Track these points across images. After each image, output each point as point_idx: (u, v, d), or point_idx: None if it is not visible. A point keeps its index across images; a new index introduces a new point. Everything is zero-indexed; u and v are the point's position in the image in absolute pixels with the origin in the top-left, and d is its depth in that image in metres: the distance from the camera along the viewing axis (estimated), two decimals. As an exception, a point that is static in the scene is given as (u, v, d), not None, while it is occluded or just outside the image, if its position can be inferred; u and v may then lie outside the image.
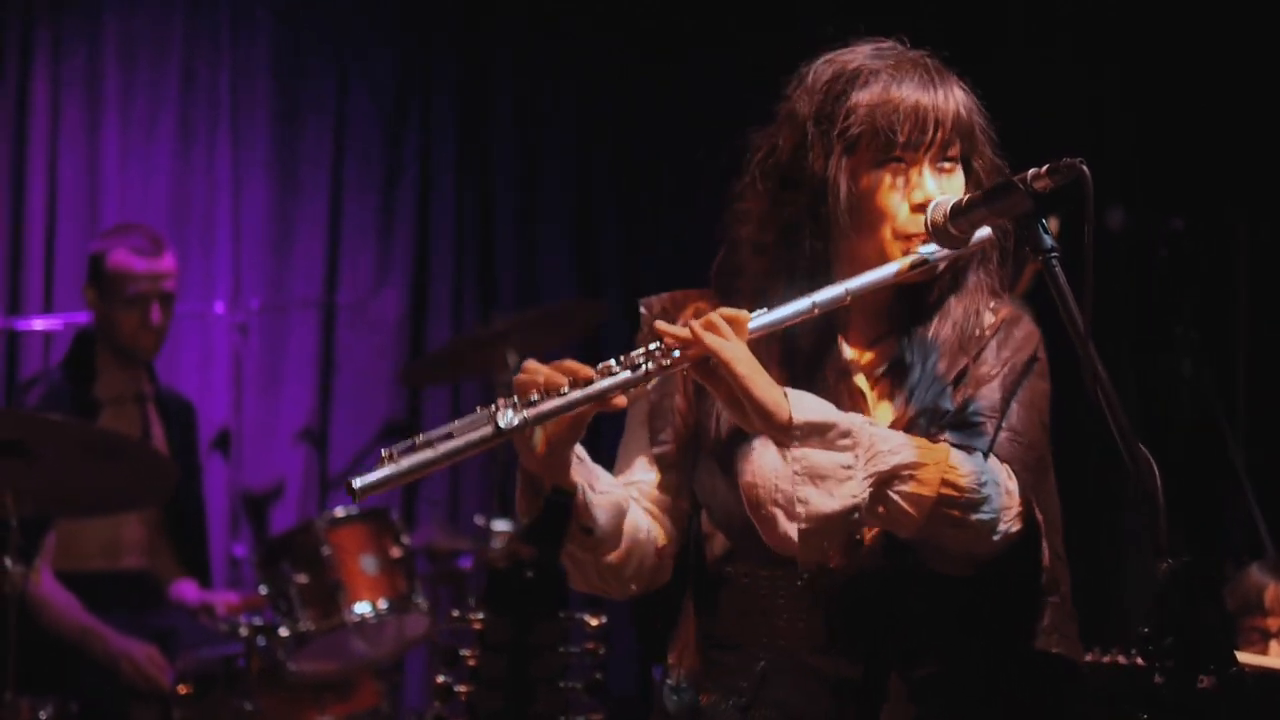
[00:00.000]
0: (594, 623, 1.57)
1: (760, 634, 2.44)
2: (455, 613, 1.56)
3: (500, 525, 5.10)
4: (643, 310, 2.61)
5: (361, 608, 4.77)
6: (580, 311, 5.43)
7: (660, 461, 2.53)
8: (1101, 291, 2.58)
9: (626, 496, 2.47)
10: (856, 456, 2.28)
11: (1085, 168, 2.23)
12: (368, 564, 4.80)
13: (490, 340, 5.23)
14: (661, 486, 2.53)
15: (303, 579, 4.74)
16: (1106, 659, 3.22)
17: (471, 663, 1.55)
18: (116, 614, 4.69)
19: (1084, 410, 2.50)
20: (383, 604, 4.80)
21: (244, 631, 4.68)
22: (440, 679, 1.57)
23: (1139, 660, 3.31)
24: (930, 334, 2.49)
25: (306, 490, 6.18)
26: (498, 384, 5.21)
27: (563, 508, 1.57)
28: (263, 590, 4.82)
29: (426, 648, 5.34)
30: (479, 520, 5.29)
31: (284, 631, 4.70)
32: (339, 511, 4.93)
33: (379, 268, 6.39)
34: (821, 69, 2.51)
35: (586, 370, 2.26)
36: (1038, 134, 3.35)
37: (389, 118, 6.36)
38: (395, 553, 4.86)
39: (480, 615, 1.56)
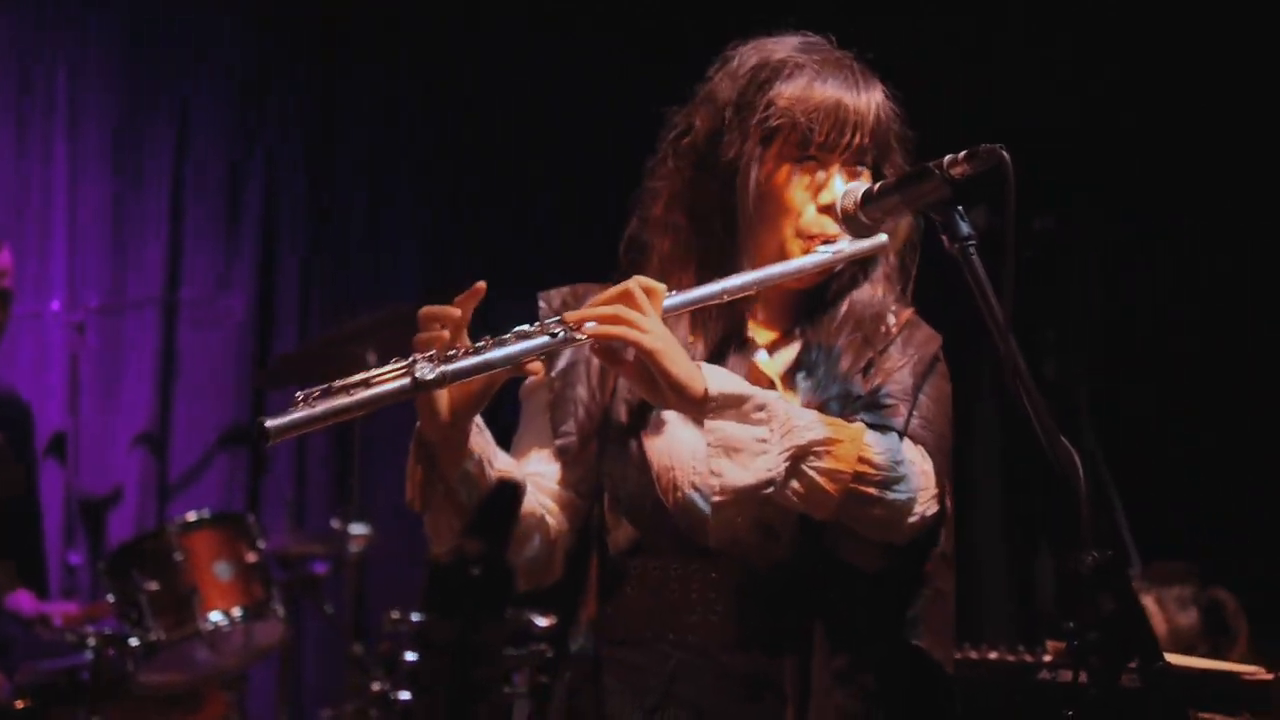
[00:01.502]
0: (543, 623, 1.47)
1: (669, 629, 2.37)
2: (395, 614, 1.45)
3: (357, 528, 4.96)
4: (542, 304, 2.54)
5: (216, 616, 4.59)
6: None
7: (562, 454, 2.45)
8: (964, 291, 2.55)
9: (524, 480, 2.39)
10: (772, 430, 2.23)
11: (1005, 154, 2.18)
12: (222, 570, 4.63)
13: (349, 339, 5.08)
14: (562, 481, 2.45)
15: (154, 586, 4.56)
16: (991, 655, 3.21)
17: (412, 666, 1.44)
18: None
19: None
20: (238, 611, 4.63)
21: (92, 642, 4.48)
22: (377, 686, 1.46)
23: (1021, 658, 3.31)
24: (835, 324, 2.46)
25: (145, 496, 5.99)
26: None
27: (510, 498, 1.47)
28: (110, 599, 4.63)
29: (278, 656, 5.18)
30: (334, 523, 5.14)
31: (134, 641, 4.51)
32: (191, 516, 4.76)
33: (223, 266, 6.23)
34: (747, 55, 2.47)
35: (477, 287, 2.23)
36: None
37: (235, 113, 6.20)
38: (251, 558, 4.70)
39: (418, 617, 1.46)
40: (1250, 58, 5.48)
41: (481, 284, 2.25)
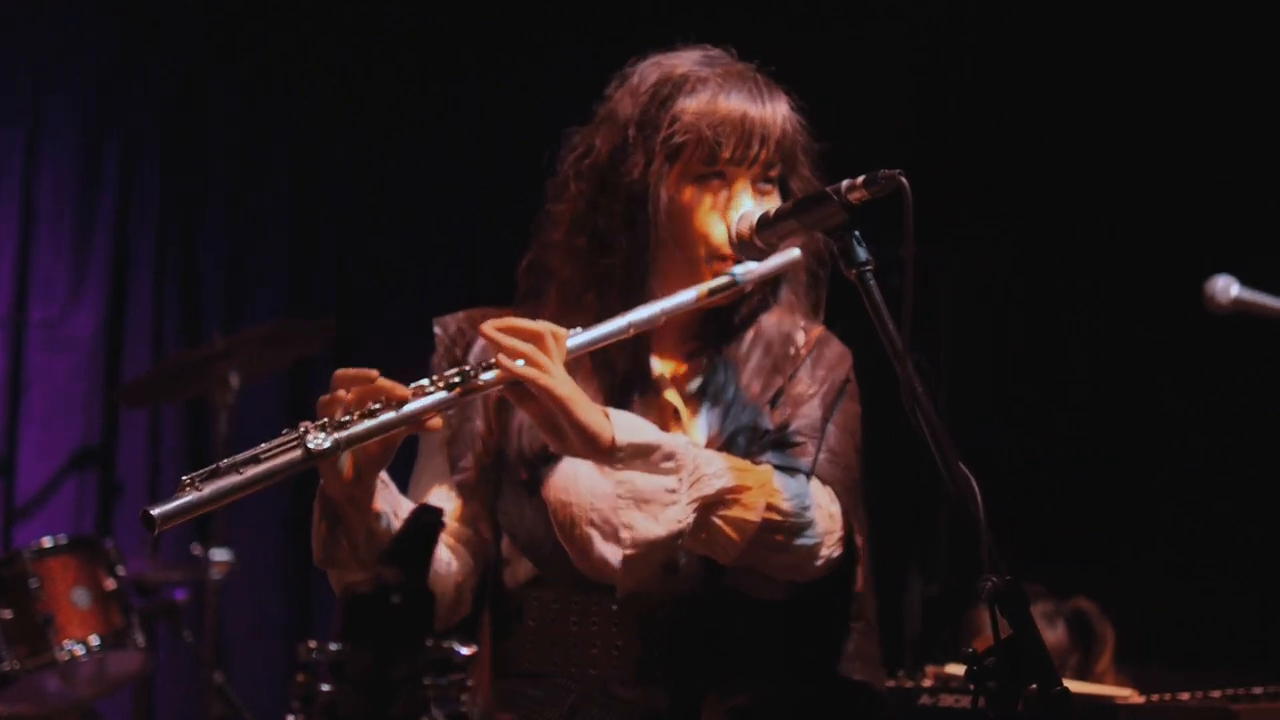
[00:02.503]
0: (465, 652, 1.44)
1: (568, 663, 2.33)
2: (312, 644, 1.40)
3: (220, 555, 4.84)
4: (437, 330, 2.48)
5: (73, 645, 4.45)
6: (306, 331, 5.20)
7: (461, 489, 2.40)
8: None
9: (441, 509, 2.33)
10: (680, 480, 2.21)
11: (904, 180, 2.17)
12: (80, 597, 4.49)
13: (209, 360, 4.97)
14: (461, 517, 2.40)
15: (7, 614, 4.40)
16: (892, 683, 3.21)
17: (328, 699, 1.40)
18: None
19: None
20: (95, 640, 4.49)
21: (-59, 672, 4.32)
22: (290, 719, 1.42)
23: (902, 684, 3.32)
24: (742, 350, 2.43)
25: (-10, 520, 5.79)
26: (219, 405, 4.95)
27: (430, 526, 1.43)
28: (-41, 627, 4.47)
29: (132, 687, 5.04)
30: (195, 549, 5.02)
31: (-15, 671, 4.36)
32: (47, 541, 4.59)
33: (73, 285, 6.04)
34: (647, 71, 2.42)
35: (400, 390, 2.12)
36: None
37: (88, 128, 6.03)
38: (109, 585, 4.56)
39: (337, 646, 1.41)
40: (1112, 80, 5.58)
41: (407, 391, 2.14)
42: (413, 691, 1.43)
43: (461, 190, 6.30)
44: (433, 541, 1.42)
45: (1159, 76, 5.45)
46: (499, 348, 2.16)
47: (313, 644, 1.40)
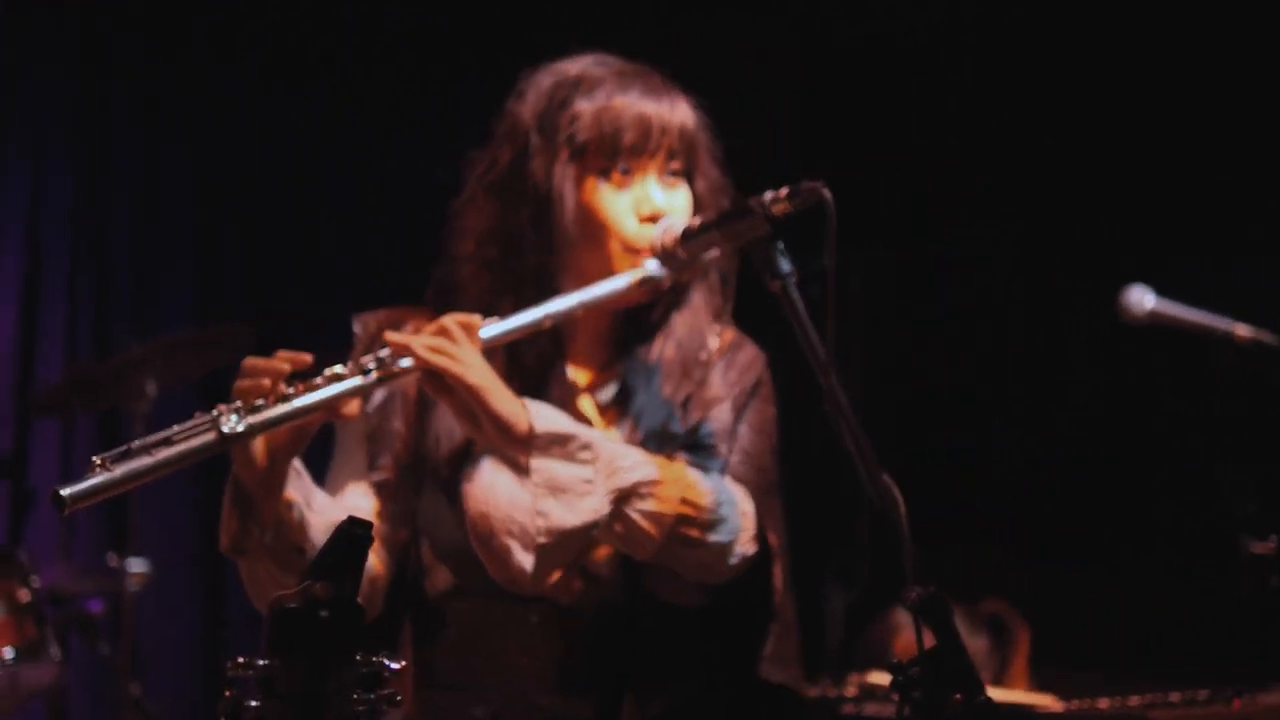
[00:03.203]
0: (396, 666, 1.43)
1: (489, 673, 2.32)
2: (240, 659, 1.39)
3: (136, 565, 4.78)
4: (356, 329, 2.47)
5: (-13, 657, 4.39)
6: (224, 337, 5.15)
7: (379, 489, 2.39)
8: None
9: (372, 519, 2.32)
10: (596, 470, 2.21)
11: (827, 192, 2.18)
12: (-8, 609, 4.43)
13: (124, 368, 4.91)
14: (379, 515, 2.38)
15: (-83, 627, 4.34)
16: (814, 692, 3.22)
17: (256, 714, 1.39)
18: None
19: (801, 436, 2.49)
20: (9, 653, 4.42)
21: None
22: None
23: (825, 692, 3.34)
24: (654, 355, 2.44)
25: (-99, 531, 5.69)
26: (136, 414, 4.89)
27: (361, 539, 1.43)
28: None
29: (45, 700, 4.97)
30: (111, 560, 4.95)
31: (-105, 686, 4.28)
32: (-43, 553, 4.53)
33: (-18, 289, 5.95)
34: (541, 78, 2.44)
35: (304, 357, 2.14)
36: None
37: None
38: (23, 596, 4.49)
39: (263, 661, 1.41)
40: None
41: (308, 357, 2.17)
42: (342, 707, 1.42)
43: (379, 188, 6.26)
44: (363, 555, 1.41)
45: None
46: (407, 347, 2.16)
47: (240, 659, 1.38)
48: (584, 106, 2.36)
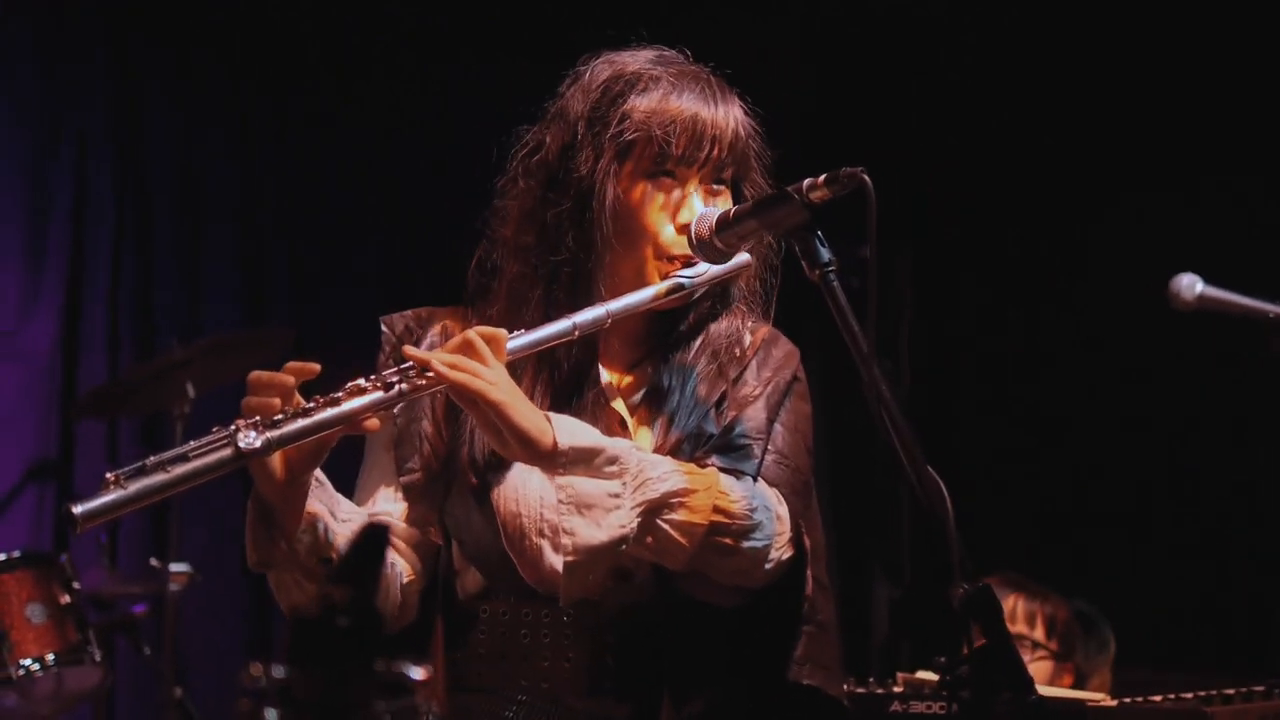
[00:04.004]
0: (418, 675, 1.38)
1: (520, 676, 2.28)
2: (256, 668, 1.34)
3: (178, 567, 4.77)
4: (384, 329, 2.43)
5: (28, 661, 4.37)
6: (265, 339, 5.13)
7: (407, 491, 2.34)
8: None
9: (387, 524, 2.27)
10: (624, 484, 2.16)
11: (867, 177, 2.12)
12: (34, 612, 4.40)
13: (165, 371, 4.89)
14: (408, 519, 2.34)
15: (-39, 632, 4.33)
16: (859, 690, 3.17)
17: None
18: None
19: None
20: (51, 656, 4.41)
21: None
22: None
23: (873, 690, 3.28)
24: (688, 357, 2.38)
25: (-55, 536, 5.70)
26: (176, 416, 4.87)
27: (378, 540, 1.38)
28: (-89, 644, 4.38)
29: (91, 703, 4.96)
30: (154, 562, 4.93)
31: (-60, 690, 4.28)
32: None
33: (27, 296, 5.94)
34: (599, 68, 2.38)
35: (312, 367, 2.10)
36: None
37: (39, 136, 5.93)
38: (64, 599, 4.48)
39: (282, 670, 1.36)
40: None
41: (316, 365, 2.13)
42: (363, 716, 1.37)
43: (421, 194, 6.23)
44: (380, 560, 1.36)
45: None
46: (428, 364, 2.11)
47: (257, 668, 1.34)
48: (637, 105, 2.31)
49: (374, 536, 1.35)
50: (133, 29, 6.07)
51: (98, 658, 4.52)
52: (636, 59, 2.38)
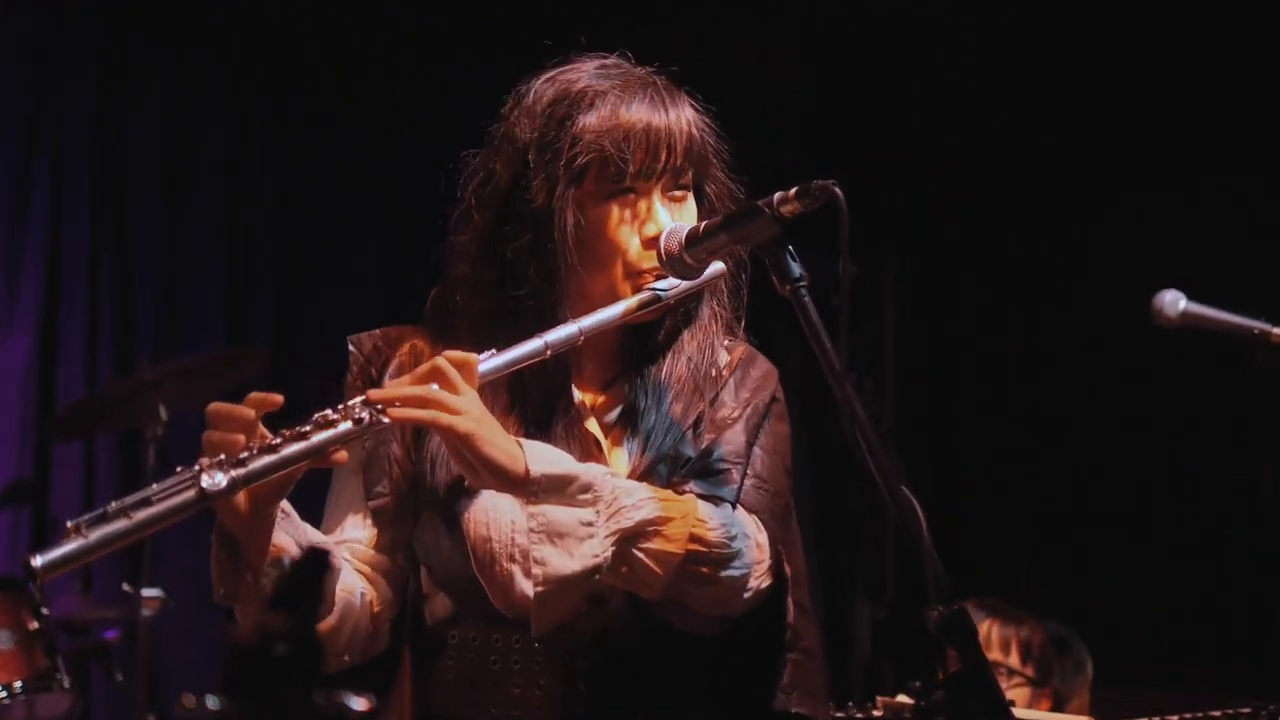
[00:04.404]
0: (360, 707, 1.32)
1: (489, 704, 2.22)
2: (190, 699, 1.28)
3: (151, 592, 4.70)
4: (351, 349, 2.37)
5: (-5, 688, 4.32)
6: (238, 360, 5.07)
7: (376, 516, 2.28)
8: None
9: (339, 557, 2.21)
10: (598, 512, 2.10)
11: (839, 190, 2.07)
12: (2, 639, 4.35)
13: (138, 391, 4.83)
14: (377, 545, 2.28)
15: (-73, 658, 4.27)
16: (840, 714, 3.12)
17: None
18: None
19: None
20: (18, 684, 4.35)
21: None
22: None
23: (851, 715, 3.24)
24: (663, 374, 2.33)
25: (-83, 559, 5.63)
26: (149, 438, 4.82)
27: (319, 566, 1.32)
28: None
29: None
30: (127, 587, 4.88)
31: (-95, 718, 4.22)
32: (-33, 581, 4.46)
33: (4, 316, 5.89)
34: (542, 89, 2.30)
35: (274, 398, 2.04)
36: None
37: (15, 148, 5.87)
38: (33, 625, 4.43)
39: (215, 700, 1.30)
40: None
41: (278, 397, 2.07)
42: (301, 749, 1.31)
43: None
44: (320, 584, 1.31)
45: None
46: (392, 405, 2.05)
47: (190, 699, 1.28)
48: (586, 124, 2.23)
49: (313, 562, 1.29)
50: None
51: (66, 684, 4.46)
52: (579, 73, 2.30)
